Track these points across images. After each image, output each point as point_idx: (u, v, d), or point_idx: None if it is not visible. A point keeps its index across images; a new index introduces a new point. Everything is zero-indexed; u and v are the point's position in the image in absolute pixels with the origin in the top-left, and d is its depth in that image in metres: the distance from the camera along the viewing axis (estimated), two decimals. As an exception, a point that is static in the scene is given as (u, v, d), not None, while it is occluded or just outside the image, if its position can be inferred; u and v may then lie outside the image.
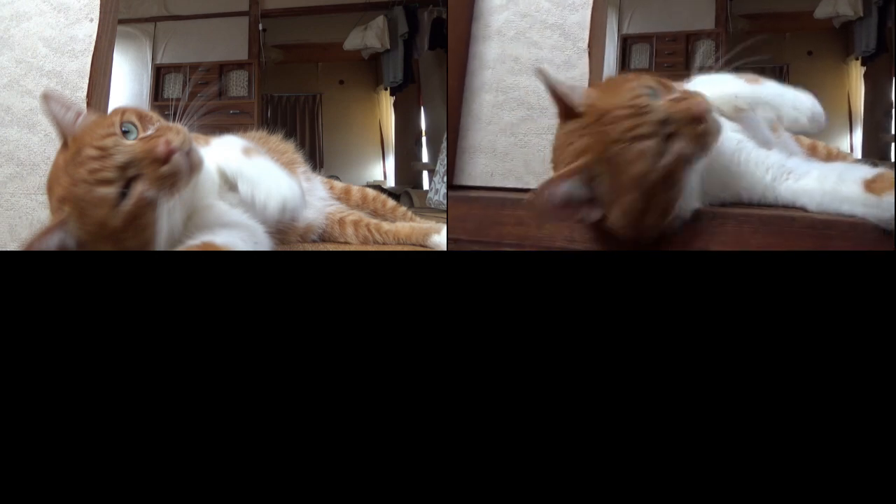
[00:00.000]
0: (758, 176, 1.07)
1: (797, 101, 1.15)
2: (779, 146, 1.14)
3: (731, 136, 1.09)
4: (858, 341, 0.93)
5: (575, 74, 1.27)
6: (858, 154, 2.84)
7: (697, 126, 0.98)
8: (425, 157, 3.25)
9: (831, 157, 1.43)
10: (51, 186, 1.07)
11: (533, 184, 1.26)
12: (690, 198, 1.03)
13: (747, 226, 1.01)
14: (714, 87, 1.10)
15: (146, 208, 1.02)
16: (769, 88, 1.15)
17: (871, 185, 0.98)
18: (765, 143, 1.12)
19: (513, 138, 1.31)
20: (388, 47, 3.36)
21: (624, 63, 2.91)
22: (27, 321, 0.93)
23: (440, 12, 3.09)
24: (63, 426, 0.91)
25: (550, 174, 1.24)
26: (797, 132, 1.22)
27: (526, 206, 1.01)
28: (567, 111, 1.04)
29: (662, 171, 0.98)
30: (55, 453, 0.91)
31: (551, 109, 1.26)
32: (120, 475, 0.90)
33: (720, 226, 1.02)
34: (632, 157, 0.97)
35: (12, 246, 1.23)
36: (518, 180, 1.31)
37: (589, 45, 1.26)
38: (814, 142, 1.43)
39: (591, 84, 1.28)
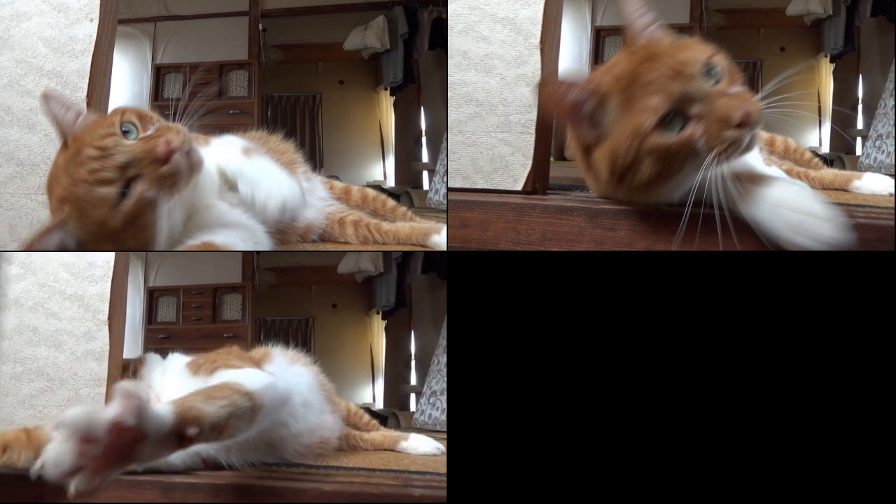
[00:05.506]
0: None
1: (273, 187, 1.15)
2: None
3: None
4: (859, 340, 0.93)
5: (526, 71, 1.22)
6: (826, 149, 2.88)
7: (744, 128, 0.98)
8: (425, 157, 3.25)
9: (788, 152, 1.43)
10: (51, 186, 1.08)
11: (481, 184, 1.23)
12: (679, 187, 1.03)
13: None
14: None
15: (146, 208, 1.03)
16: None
17: None
18: None
19: (460, 136, 1.26)
20: (388, 47, 3.36)
21: (596, 56, 2.88)
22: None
23: (440, 12, 3.09)
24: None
25: (500, 175, 1.22)
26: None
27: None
28: (629, 44, 1.08)
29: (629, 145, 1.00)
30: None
31: (500, 107, 1.24)
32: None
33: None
34: (640, 107, 1.00)
35: (12, 246, 1.23)
36: (465, 180, 1.24)
37: (541, 41, 1.21)
38: (772, 136, 1.42)
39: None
